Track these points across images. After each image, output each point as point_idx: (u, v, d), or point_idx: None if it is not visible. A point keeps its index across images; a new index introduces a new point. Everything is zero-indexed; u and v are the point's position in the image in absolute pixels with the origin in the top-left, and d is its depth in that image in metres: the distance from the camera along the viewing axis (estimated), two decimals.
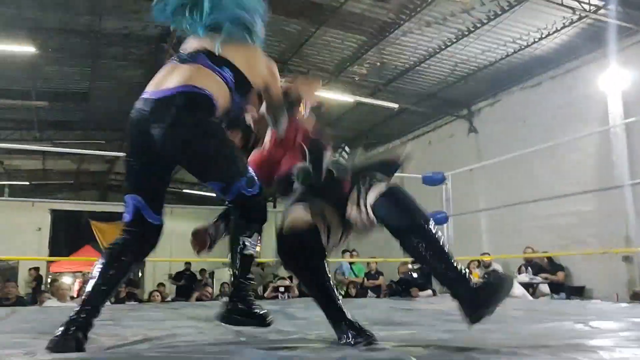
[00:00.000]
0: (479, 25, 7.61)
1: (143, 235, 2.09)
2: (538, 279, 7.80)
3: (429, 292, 6.87)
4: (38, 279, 12.58)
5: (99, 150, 11.82)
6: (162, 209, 2.13)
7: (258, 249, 2.30)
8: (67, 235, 16.65)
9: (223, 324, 2.12)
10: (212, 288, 11.33)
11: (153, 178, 2.06)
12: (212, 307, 4.33)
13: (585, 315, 3.13)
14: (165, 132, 1.84)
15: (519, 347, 1.91)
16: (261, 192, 2.02)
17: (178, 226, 18.98)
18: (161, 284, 10.22)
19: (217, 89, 1.93)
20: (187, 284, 11.09)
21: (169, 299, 9.74)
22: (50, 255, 16.14)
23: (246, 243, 2.08)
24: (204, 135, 1.88)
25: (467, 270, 1.86)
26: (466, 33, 7.84)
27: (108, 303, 6.93)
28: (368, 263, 9.11)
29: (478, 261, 8.10)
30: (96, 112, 11.42)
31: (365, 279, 8.96)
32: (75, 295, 7.83)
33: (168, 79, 1.94)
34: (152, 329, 2.63)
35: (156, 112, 1.86)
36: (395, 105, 9.88)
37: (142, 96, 1.96)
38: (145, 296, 10.74)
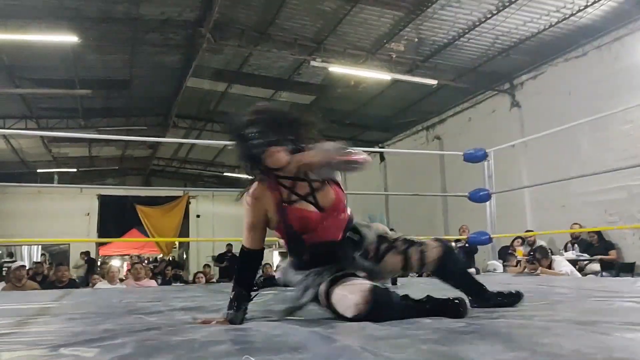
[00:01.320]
0: None
1: None
2: (585, 256, 7.60)
3: (472, 270, 6.78)
4: (90, 262, 13.06)
5: (142, 136, 12.12)
6: None
7: None
8: (114, 219, 17.20)
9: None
10: None
11: None
12: (255, 289, 4.39)
13: (636, 293, 3.03)
14: None
15: (566, 325, 1.86)
16: None
17: (219, 209, 19.57)
18: (206, 265, 10.45)
19: None
20: (230, 265, 11.29)
21: (213, 280, 9.96)
22: (100, 239, 16.75)
23: None
24: None
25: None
26: (507, 4, 7.57)
27: (155, 284, 7.08)
28: None
29: (522, 238, 7.95)
30: (137, 99, 11.66)
31: None
32: (124, 277, 8.09)
33: None
34: (195, 308, 2.69)
35: None
36: (434, 82, 9.69)
37: None
38: (190, 277, 11.02)
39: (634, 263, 7.50)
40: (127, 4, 7.80)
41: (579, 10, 7.64)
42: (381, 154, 14.23)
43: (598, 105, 7.46)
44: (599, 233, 7.71)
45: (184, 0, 7.85)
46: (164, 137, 13.19)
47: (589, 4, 7.46)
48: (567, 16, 7.82)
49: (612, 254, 7.53)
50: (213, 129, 13.76)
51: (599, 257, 7.47)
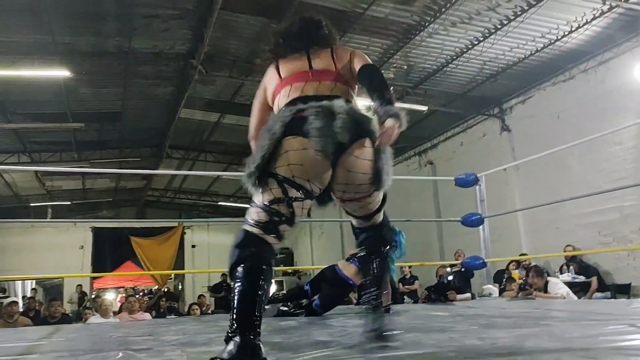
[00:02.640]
0: (505, 22, 7.49)
1: None
2: (581, 278, 7.58)
3: (468, 295, 6.75)
4: (82, 296, 12.94)
5: (136, 167, 12.13)
6: None
7: None
8: (109, 251, 17.09)
9: None
10: None
11: None
12: None
13: (630, 315, 3.02)
14: None
15: (557, 352, 1.86)
16: None
17: (215, 239, 19.44)
18: (201, 296, 10.34)
19: None
20: (226, 295, 11.18)
21: (208, 311, 9.86)
22: (94, 272, 16.59)
23: None
24: None
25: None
26: (493, 31, 7.72)
27: (149, 317, 6.99)
28: (401, 267, 8.99)
29: (517, 262, 7.94)
30: (130, 130, 11.71)
31: (401, 285, 8.88)
32: (117, 311, 8.00)
33: None
34: (187, 342, 2.66)
35: None
36: (425, 108, 9.79)
37: None
38: (186, 309, 10.89)
39: (630, 284, 7.49)
40: (119, 38, 7.90)
41: (564, 36, 7.79)
42: None
43: (587, 128, 7.55)
44: (580, 257, 7.72)
45: (176, 34, 7.95)
46: (157, 168, 13.21)
47: (573, 29, 7.61)
48: (552, 41, 7.97)
49: (593, 281, 7.42)
50: (206, 159, 13.81)
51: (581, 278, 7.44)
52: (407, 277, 9.32)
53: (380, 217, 2.30)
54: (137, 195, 17.92)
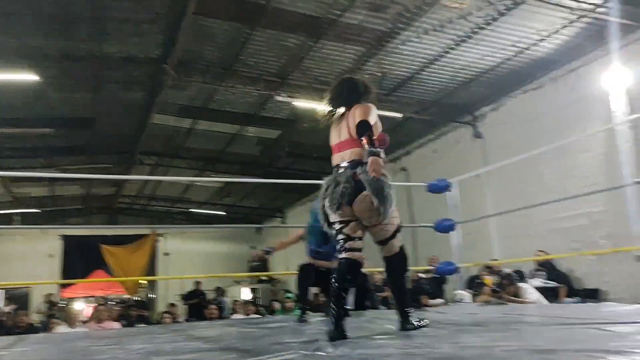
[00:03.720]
0: (477, 30, 7.58)
1: None
2: (552, 283, 7.67)
3: (440, 300, 6.78)
4: (50, 305, 12.62)
5: (107, 173, 11.90)
6: None
7: None
8: (79, 260, 16.72)
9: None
10: (224, 306, 11.23)
11: None
12: (221, 327, 4.29)
13: (599, 319, 3.05)
14: None
15: (525, 356, 1.85)
16: None
17: (188, 246, 19.20)
18: (172, 305, 10.16)
19: None
20: (199, 304, 11.02)
21: (180, 319, 9.70)
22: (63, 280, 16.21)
23: None
24: None
25: None
26: (465, 39, 7.81)
27: (118, 326, 6.86)
28: (372, 274, 8.97)
29: (489, 267, 8.00)
30: (101, 136, 11.49)
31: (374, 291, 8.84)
32: (86, 320, 7.80)
33: None
34: (153, 351, 2.59)
35: None
36: (399, 115, 9.84)
37: None
38: (157, 318, 10.71)
39: (598, 289, 7.62)
40: (89, 42, 7.75)
41: (534, 44, 7.92)
42: None
43: (556, 135, 7.68)
44: (551, 263, 7.83)
45: (148, 38, 7.84)
46: (129, 174, 13.00)
47: (542, 38, 7.74)
48: (523, 50, 8.10)
49: (562, 291, 7.52)
50: (180, 165, 13.64)
51: (560, 284, 7.55)
52: (378, 284, 9.28)
53: (396, 247, 3.00)
54: (108, 203, 17.61)
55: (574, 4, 6.87)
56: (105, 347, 2.92)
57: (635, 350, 1.81)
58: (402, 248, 3.03)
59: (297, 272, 4.54)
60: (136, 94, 9.66)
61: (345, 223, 2.94)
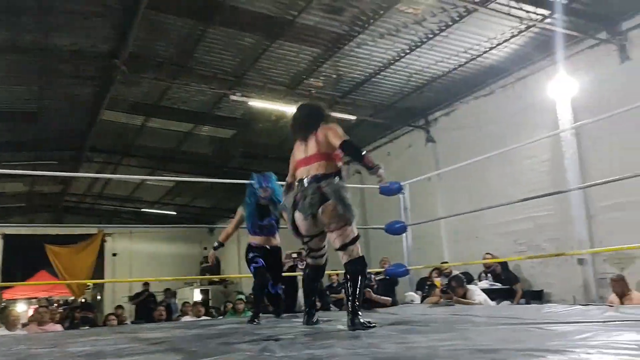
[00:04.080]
0: (431, 36, 7.71)
1: None
2: (498, 285, 7.89)
3: (387, 298, 6.86)
4: None
5: (53, 170, 11.47)
6: None
7: None
8: (21, 261, 16.04)
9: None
10: (174, 308, 11.02)
11: None
12: (168, 329, 4.19)
13: (539, 320, 3.14)
14: None
15: (469, 355, 1.88)
16: None
17: (137, 246, 18.68)
18: (119, 307, 9.89)
19: None
20: (146, 305, 10.78)
21: (127, 321, 9.45)
22: (3, 282, 15.52)
23: None
24: None
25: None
26: (419, 44, 7.93)
27: (60, 328, 6.61)
28: (330, 275, 9.00)
29: (439, 269, 8.15)
30: (47, 132, 11.07)
31: (328, 292, 8.87)
32: (27, 322, 7.49)
33: None
34: (93, 354, 2.50)
35: None
36: (353, 117, 9.90)
37: None
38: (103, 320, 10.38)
39: (542, 291, 7.88)
40: (35, 33, 7.45)
41: (485, 52, 8.13)
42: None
43: (505, 141, 7.89)
44: (504, 264, 8.05)
45: (97, 31, 7.60)
46: (77, 172, 12.57)
47: (493, 46, 7.95)
48: (474, 57, 8.29)
49: (518, 287, 7.79)
50: (130, 164, 13.30)
51: (506, 286, 7.78)
52: (335, 285, 9.31)
53: (355, 253, 3.39)
54: (54, 201, 16.97)
55: (523, 14, 7.07)
56: (44, 350, 2.80)
57: (574, 349, 1.86)
58: (361, 255, 3.43)
59: (245, 255, 4.59)
60: (85, 88, 9.35)
61: (310, 237, 3.53)
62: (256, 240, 4.57)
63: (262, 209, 4.52)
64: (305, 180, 3.43)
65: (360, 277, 3.33)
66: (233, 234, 4.96)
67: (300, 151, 3.59)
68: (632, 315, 3.05)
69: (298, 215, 3.45)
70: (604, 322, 2.82)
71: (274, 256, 4.62)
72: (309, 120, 3.62)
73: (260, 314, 4.46)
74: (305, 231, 3.49)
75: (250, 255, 4.52)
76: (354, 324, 3.13)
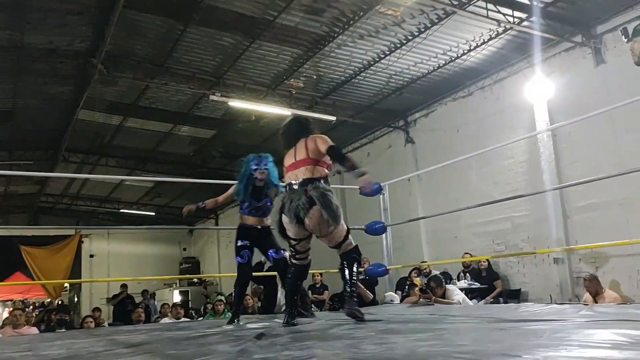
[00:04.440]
0: (410, 37, 7.77)
1: None
2: (477, 284, 7.97)
3: (371, 295, 6.89)
4: None
5: (28, 170, 11.26)
6: None
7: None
8: None
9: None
10: (152, 309, 10.91)
11: None
12: (146, 332, 4.14)
13: (516, 319, 3.18)
14: None
15: (448, 355, 1.89)
16: None
17: (115, 248, 18.41)
18: (96, 309, 9.75)
19: None
20: (124, 307, 10.65)
21: (105, 324, 9.32)
22: None
23: None
24: None
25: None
26: (399, 45, 7.98)
27: (36, 331, 6.49)
28: (313, 275, 9.00)
29: (418, 269, 8.21)
30: (23, 131, 10.88)
31: (310, 292, 8.88)
32: (2, 325, 7.35)
33: None
34: (69, 357, 2.46)
35: None
36: (333, 118, 9.91)
37: None
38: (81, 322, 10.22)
39: (520, 290, 7.98)
40: (10, 31, 7.32)
41: (464, 54, 8.21)
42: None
43: (483, 142, 7.98)
44: (488, 262, 8.14)
45: (74, 30, 7.50)
46: (52, 172, 12.38)
47: (471, 48, 8.04)
48: (453, 59, 8.38)
49: (498, 285, 7.93)
50: (108, 164, 13.12)
51: (485, 285, 7.87)
52: (318, 285, 9.34)
53: (349, 246, 3.61)
54: (30, 201, 16.68)
55: (501, 17, 7.16)
56: (18, 354, 2.75)
57: (548, 348, 1.89)
58: (355, 245, 3.64)
59: (236, 233, 4.47)
60: (61, 87, 9.22)
61: (298, 241, 3.63)
62: (249, 221, 4.47)
63: (257, 190, 4.44)
64: (293, 184, 3.56)
65: (355, 264, 3.57)
66: (220, 205, 4.94)
67: (290, 157, 3.72)
68: (606, 314, 3.11)
69: (285, 219, 3.55)
70: (579, 320, 2.87)
71: (266, 233, 4.52)
72: (298, 131, 3.78)
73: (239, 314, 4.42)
74: (293, 234, 3.60)
75: (239, 243, 4.44)
76: (351, 308, 3.42)
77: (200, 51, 8.20)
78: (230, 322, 4.25)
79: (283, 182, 3.76)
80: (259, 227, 4.47)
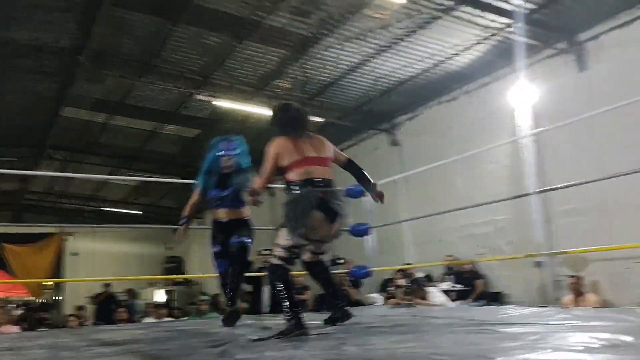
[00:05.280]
0: (397, 40, 7.82)
1: None
2: (459, 286, 8.05)
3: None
4: None
5: (11, 168, 11.14)
6: None
7: None
8: None
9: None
10: (135, 309, 10.84)
11: None
12: (128, 331, 4.15)
13: (495, 322, 3.23)
14: None
15: (426, 357, 1.93)
16: None
17: (100, 246, 18.25)
18: (79, 307, 9.69)
19: None
20: (107, 306, 10.58)
21: (88, 323, 9.27)
22: None
23: None
24: None
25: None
26: (385, 48, 8.03)
27: (16, 330, 6.45)
28: (294, 276, 8.98)
29: (402, 271, 8.27)
30: (5, 127, 10.75)
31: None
32: None
33: None
34: (51, 357, 2.47)
35: None
36: (321, 120, 9.95)
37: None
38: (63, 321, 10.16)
39: (500, 292, 8.07)
40: None
41: (449, 58, 8.29)
42: (269, 188, 14.22)
43: (468, 146, 8.05)
44: (472, 267, 8.23)
45: (60, 27, 7.44)
46: (37, 169, 12.27)
47: (457, 52, 8.11)
48: (439, 63, 8.45)
49: (478, 285, 8.00)
50: (94, 162, 13.03)
51: (467, 287, 7.96)
52: (299, 287, 9.33)
53: None
54: (13, 199, 16.48)
55: (486, 22, 7.25)
56: None
57: (524, 351, 1.94)
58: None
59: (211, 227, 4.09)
60: (46, 84, 9.13)
61: (324, 242, 3.51)
62: (219, 215, 4.02)
63: (223, 178, 3.93)
64: (329, 181, 3.42)
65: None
66: (196, 205, 4.32)
67: (307, 149, 3.42)
68: (582, 318, 3.18)
69: (321, 216, 3.23)
70: (556, 324, 2.93)
71: (238, 226, 3.99)
72: (307, 122, 3.64)
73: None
74: (326, 233, 3.34)
75: (213, 249, 4.02)
76: (343, 314, 3.63)
77: (187, 50, 8.18)
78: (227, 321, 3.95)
79: (295, 174, 3.32)
80: (228, 220, 3.98)
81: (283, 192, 3.41)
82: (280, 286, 3.14)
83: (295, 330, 2.88)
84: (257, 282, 6.78)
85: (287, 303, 3.04)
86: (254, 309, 6.64)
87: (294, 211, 3.13)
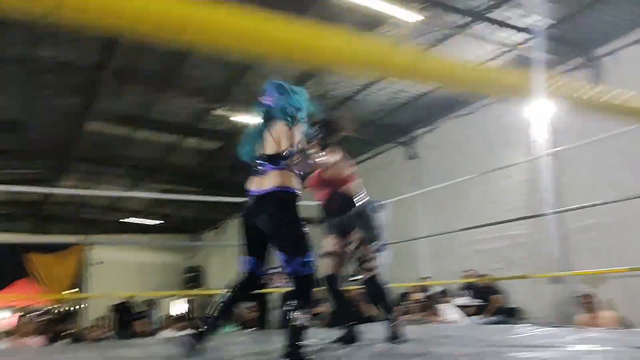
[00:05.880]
0: None
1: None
2: (477, 301, 8.00)
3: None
4: None
5: (36, 179, 11.44)
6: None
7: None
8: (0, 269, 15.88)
9: None
10: (154, 320, 10.99)
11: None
12: (147, 346, 4.24)
13: (507, 343, 3.26)
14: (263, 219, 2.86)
15: None
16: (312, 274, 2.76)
17: (121, 256, 18.46)
18: (102, 317, 9.86)
19: (295, 181, 2.92)
20: (126, 318, 10.73)
21: (109, 333, 9.43)
22: None
23: (295, 315, 2.62)
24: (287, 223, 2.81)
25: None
26: None
27: (40, 341, 6.60)
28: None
29: (418, 286, 8.27)
30: (31, 141, 11.06)
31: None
32: (9, 332, 7.44)
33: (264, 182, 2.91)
34: None
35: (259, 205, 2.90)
36: None
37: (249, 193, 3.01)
38: (85, 332, 10.33)
39: (516, 308, 8.01)
40: (21, 45, 7.50)
41: None
42: None
43: (483, 160, 8.08)
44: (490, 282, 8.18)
45: (85, 44, 7.67)
46: (61, 180, 12.55)
47: (474, 67, 8.13)
48: None
49: (494, 300, 7.90)
50: (116, 174, 13.29)
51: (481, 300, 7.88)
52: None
53: None
54: (36, 209, 16.85)
55: (504, 37, 7.28)
56: None
57: None
58: None
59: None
60: (71, 100, 9.38)
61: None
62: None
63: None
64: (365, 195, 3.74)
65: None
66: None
67: (351, 164, 3.90)
68: (597, 339, 3.18)
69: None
70: (565, 348, 2.94)
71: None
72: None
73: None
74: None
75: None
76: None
77: (206, 66, 8.35)
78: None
79: (355, 186, 3.82)
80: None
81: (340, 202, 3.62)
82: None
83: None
84: (263, 300, 6.81)
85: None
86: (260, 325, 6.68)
87: (371, 221, 3.55)
